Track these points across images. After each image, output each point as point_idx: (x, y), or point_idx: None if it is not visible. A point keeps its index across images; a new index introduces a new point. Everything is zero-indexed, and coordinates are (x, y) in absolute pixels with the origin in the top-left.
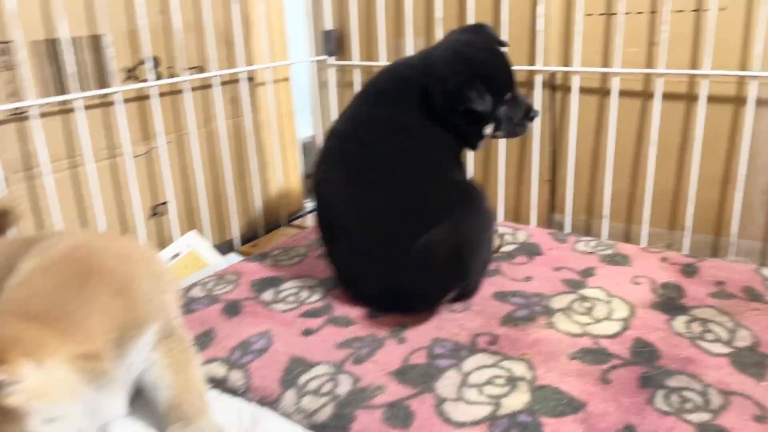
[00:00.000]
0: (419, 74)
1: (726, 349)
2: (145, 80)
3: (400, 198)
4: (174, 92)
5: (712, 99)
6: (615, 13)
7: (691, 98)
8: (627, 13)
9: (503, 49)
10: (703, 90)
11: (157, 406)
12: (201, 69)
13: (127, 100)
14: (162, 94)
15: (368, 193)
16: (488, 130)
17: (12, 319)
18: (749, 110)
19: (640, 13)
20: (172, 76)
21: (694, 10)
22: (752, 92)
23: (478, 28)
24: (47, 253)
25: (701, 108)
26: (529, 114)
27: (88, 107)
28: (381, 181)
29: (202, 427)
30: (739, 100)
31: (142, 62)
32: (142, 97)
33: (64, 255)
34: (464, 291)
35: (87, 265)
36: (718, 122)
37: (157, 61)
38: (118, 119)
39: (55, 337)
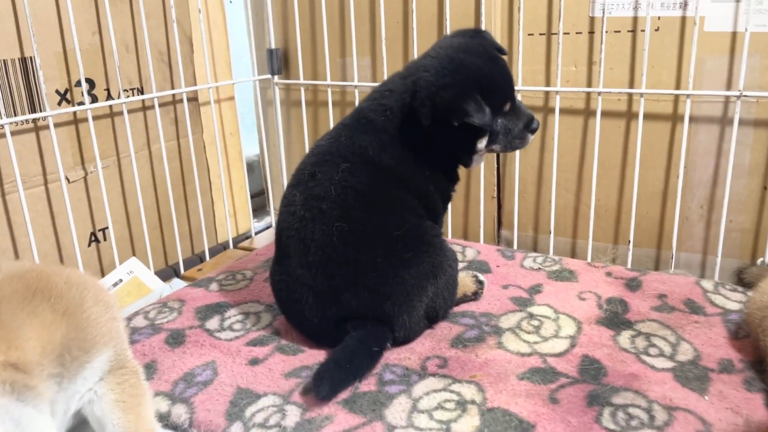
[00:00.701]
0: (396, 98)
1: (669, 364)
2: (80, 103)
3: (342, 234)
4: (111, 114)
5: (649, 116)
6: (555, 33)
7: (629, 116)
8: (566, 34)
9: (501, 58)
10: (641, 108)
11: None
12: (140, 90)
13: (61, 124)
14: (98, 117)
15: (315, 223)
16: (482, 144)
17: None
18: (684, 127)
19: (579, 33)
20: (109, 98)
21: (630, 31)
22: (686, 110)
23: (475, 33)
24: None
25: (639, 125)
26: (530, 125)
27: (18, 132)
28: (330, 214)
29: None
30: (674, 118)
31: (76, 84)
32: (77, 121)
33: (12, 275)
34: (396, 339)
35: (35, 285)
36: (656, 139)
37: (92, 83)
38: (52, 143)
39: None
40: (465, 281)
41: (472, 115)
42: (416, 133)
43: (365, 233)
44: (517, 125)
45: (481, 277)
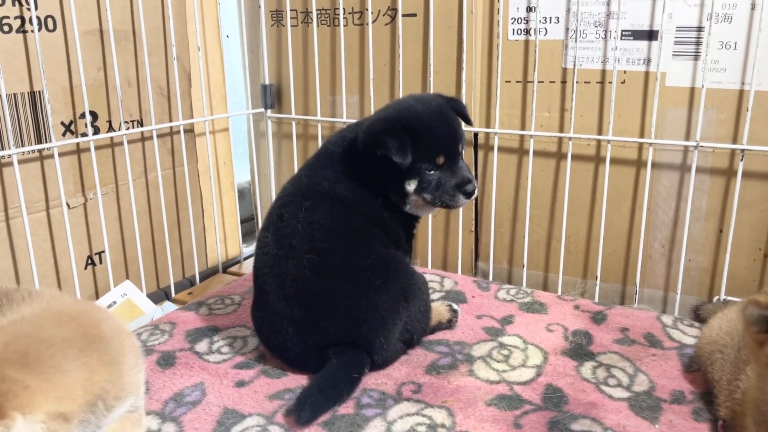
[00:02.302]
0: (354, 130)
1: (626, 394)
2: (84, 134)
3: (312, 266)
4: (112, 145)
5: (615, 161)
6: (531, 81)
7: (598, 160)
8: (541, 82)
9: (454, 118)
10: (608, 153)
11: None
12: (140, 122)
13: (64, 153)
14: (100, 147)
15: (287, 258)
16: (410, 186)
17: (10, 367)
18: (647, 172)
19: (552, 82)
20: (110, 129)
21: (599, 82)
22: (649, 157)
23: (446, 97)
24: (51, 304)
25: (606, 169)
26: (463, 186)
27: (25, 161)
28: (300, 248)
29: None
30: (638, 163)
31: (80, 116)
32: (79, 150)
33: (70, 314)
34: (374, 363)
35: (89, 331)
36: (622, 182)
37: (95, 116)
38: (55, 171)
39: (43, 391)
40: (440, 309)
41: (390, 149)
42: (363, 163)
43: (334, 263)
44: (449, 182)
45: (456, 306)
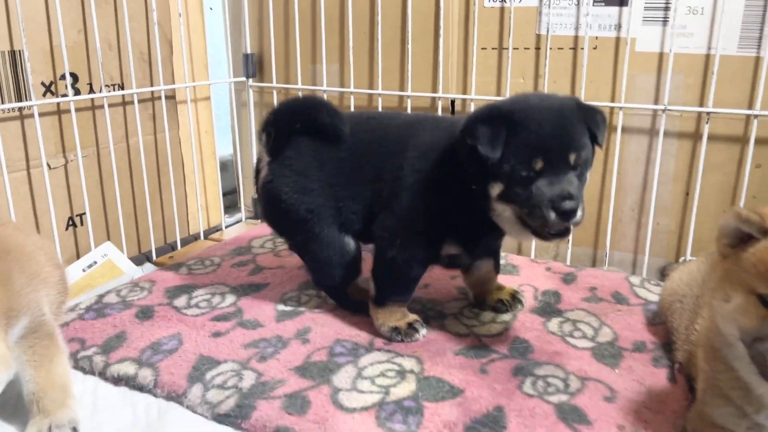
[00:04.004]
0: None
1: (589, 344)
2: (64, 95)
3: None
4: (93, 107)
5: None
6: (506, 48)
7: None
8: (516, 49)
9: (576, 124)
10: None
11: (24, 397)
12: (120, 86)
13: (45, 114)
14: (80, 109)
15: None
16: (494, 190)
17: None
18: (617, 137)
19: (527, 48)
20: (91, 92)
21: (571, 48)
22: (619, 121)
23: (574, 99)
24: None
25: None
26: (556, 204)
27: (5, 119)
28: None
29: (58, 419)
30: (609, 128)
31: (60, 78)
32: (60, 111)
33: None
34: None
35: None
36: None
37: (75, 78)
38: (35, 131)
39: None
40: (394, 311)
41: (478, 138)
42: (456, 150)
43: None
44: (543, 195)
45: (421, 329)
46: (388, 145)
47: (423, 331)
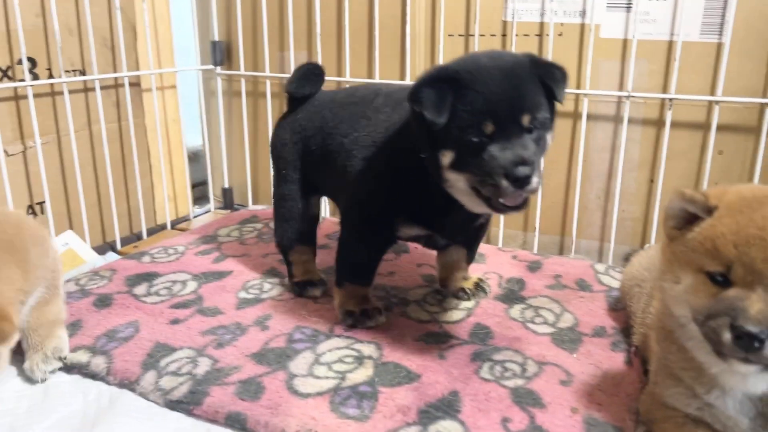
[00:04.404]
0: None
1: (550, 330)
2: (22, 80)
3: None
4: (53, 93)
5: None
6: (472, 35)
7: None
8: (482, 35)
9: (529, 82)
10: None
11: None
12: (82, 72)
13: (1, 99)
14: (39, 95)
15: None
16: (445, 159)
17: None
18: (582, 124)
19: (493, 35)
20: (50, 77)
21: (537, 35)
22: (584, 108)
23: (528, 55)
24: None
25: None
26: (509, 169)
27: None
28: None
29: (44, 353)
30: (575, 115)
31: (17, 62)
32: (18, 97)
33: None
34: None
35: None
36: (559, 134)
37: (33, 62)
38: None
39: None
40: (345, 299)
41: (423, 103)
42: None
43: None
44: (495, 161)
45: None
46: (347, 118)
47: (380, 319)
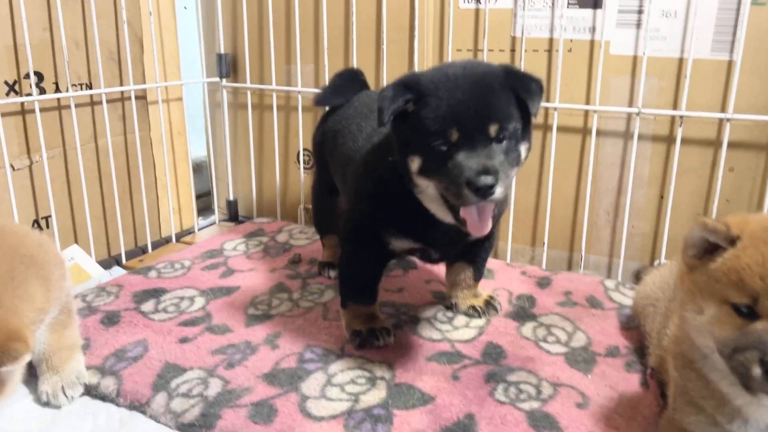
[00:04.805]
0: None
1: (563, 349)
2: (29, 95)
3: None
4: (59, 107)
5: (562, 129)
6: (481, 50)
7: (545, 127)
8: (490, 50)
9: (499, 92)
10: (554, 121)
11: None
12: (88, 86)
13: (8, 114)
14: (46, 109)
15: None
16: (414, 164)
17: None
18: (592, 140)
19: (501, 50)
20: (57, 91)
21: (546, 51)
22: (594, 124)
23: (503, 66)
24: None
25: (553, 136)
26: (472, 179)
27: None
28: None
29: (67, 375)
30: (584, 131)
31: (25, 77)
32: (24, 111)
33: None
34: None
35: (10, 250)
36: (568, 149)
37: (40, 77)
38: None
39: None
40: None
41: (380, 104)
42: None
43: None
44: (459, 169)
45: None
46: (351, 129)
47: (388, 339)
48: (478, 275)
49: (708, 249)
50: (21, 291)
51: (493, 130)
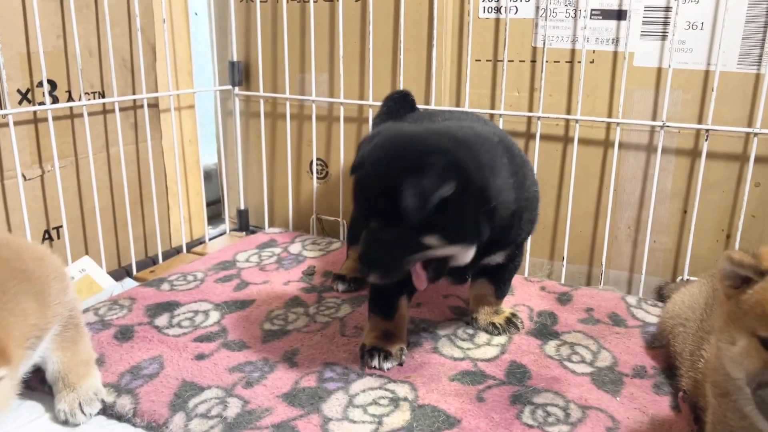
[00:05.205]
0: None
1: (588, 369)
2: (41, 103)
3: None
4: (72, 116)
5: (583, 141)
6: (501, 60)
7: (566, 140)
8: (510, 61)
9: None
10: (576, 133)
11: (47, 375)
12: (101, 94)
13: (21, 123)
14: (58, 118)
15: None
16: None
17: None
18: (614, 153)
19: (522, 61)
20: (70, 100)
21: (568, 62)
22: (616, 137)
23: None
24: None
25: (574, 149)
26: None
27: None
28: None
29: (84, 391)
30: (606, 144)
31: (38, 85)
32: (37, 120)
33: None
34: None
35: (4, 263)
36: (589, 162)
37: (53, 85)
38: (10, 141)
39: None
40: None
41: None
42: None
43: None
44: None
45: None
46: None
47: (384, 364)
48: (501, 293)
49: (745, 278)
50: (12, 305)
51: (372, 217)
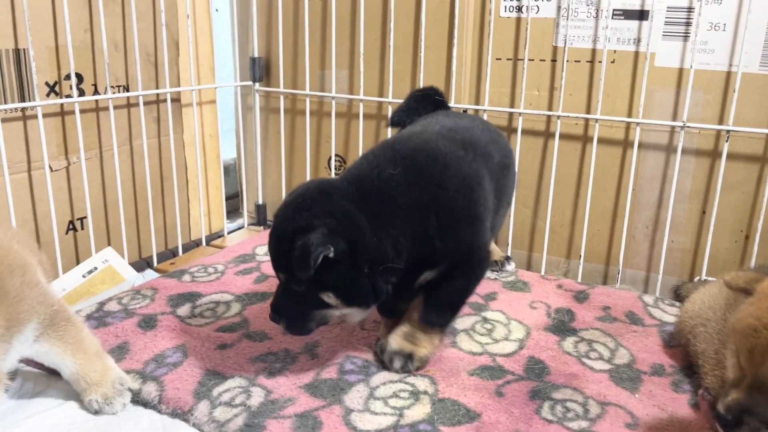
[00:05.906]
0: None
1: (607, 366)
2: (69, 96)
3: None
4: (97, 109)
5: (602, 141)
6: (521, 59)
7: (585, 139)
8: (531, 60)
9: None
10: (595, 132)
11: (63, 376)
12: (126, 87)
13: (48, 115)
14: (84, 111)
15: None
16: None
17: None
18: (633, 153)
19: (542, 60)
20: (95, 93)
21: (588, 61)
22: (636, 137)
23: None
24: None
25: (593, 148)
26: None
27: (7, 120)
28: None
29: (109, 385)
30: (625, 143)
31: (65, 78)
32: (64, 113)
33: None
34: None
35: None
36: (608, 162)
37: (80, 78)
38: (38, 133)
39: None
40: None
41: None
42: None
43: None
44: None
45: None
46: None
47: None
48: (429, 317)
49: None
50: None
51: (281, 275)
